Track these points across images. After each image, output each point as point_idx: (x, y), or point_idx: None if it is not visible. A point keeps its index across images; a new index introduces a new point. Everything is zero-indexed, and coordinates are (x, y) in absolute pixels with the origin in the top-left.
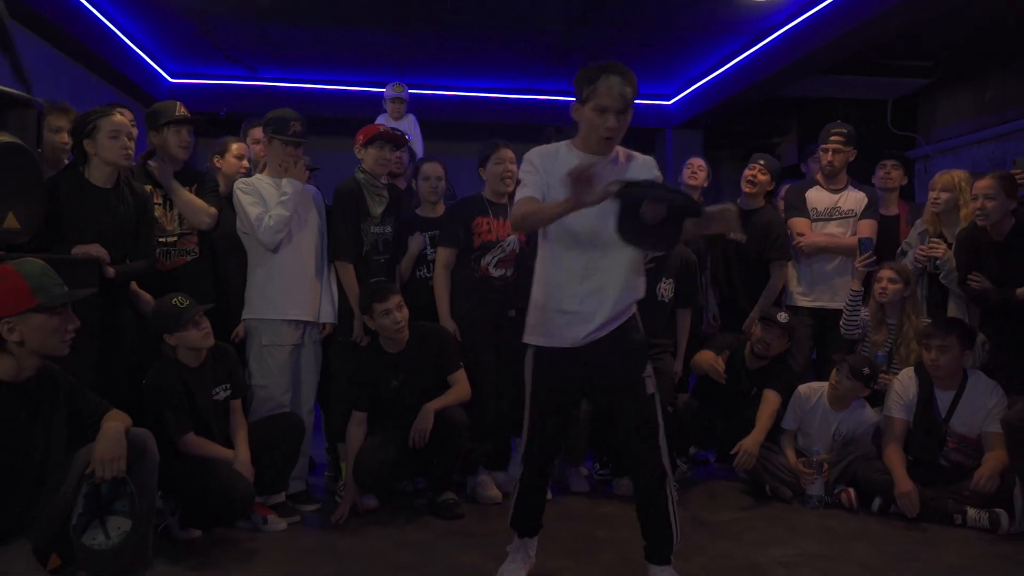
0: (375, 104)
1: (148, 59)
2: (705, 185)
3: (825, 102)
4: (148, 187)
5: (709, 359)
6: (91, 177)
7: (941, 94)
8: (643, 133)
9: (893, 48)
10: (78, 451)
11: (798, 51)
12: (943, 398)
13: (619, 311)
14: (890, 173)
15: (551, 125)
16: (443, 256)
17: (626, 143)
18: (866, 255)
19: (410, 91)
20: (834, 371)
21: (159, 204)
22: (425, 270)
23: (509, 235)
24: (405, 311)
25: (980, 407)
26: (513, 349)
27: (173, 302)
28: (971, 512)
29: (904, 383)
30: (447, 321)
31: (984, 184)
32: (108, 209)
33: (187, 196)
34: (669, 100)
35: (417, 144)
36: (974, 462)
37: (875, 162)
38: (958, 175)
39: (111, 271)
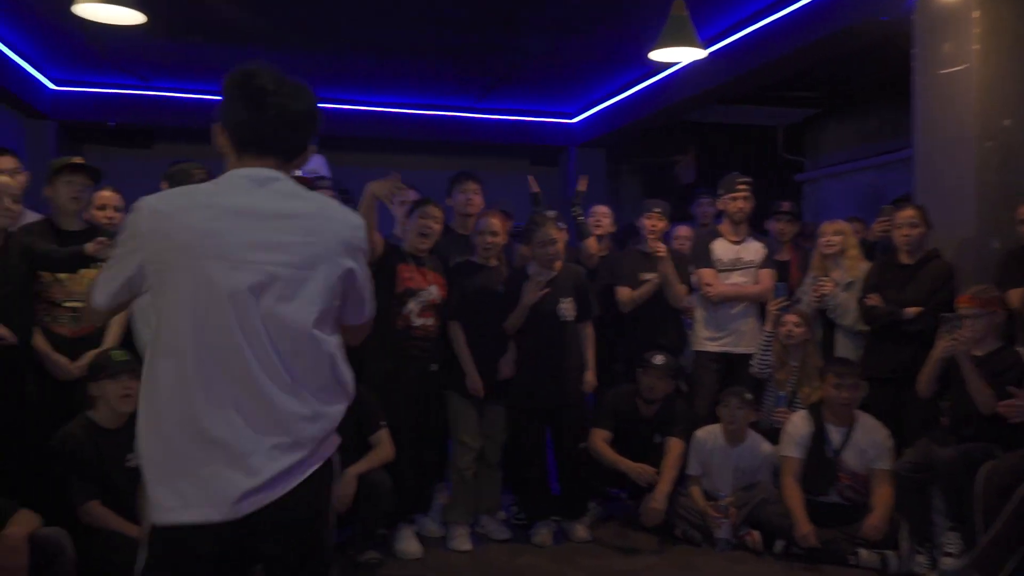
0: None
1: (27, 66)
2: (613, 231)
3: (722, 127)
4: None
5: (635, 469)
6: None
7: (828, 121)
8: (547, 151)
9: (784, 80)
10: None
11: (698, 85)
12: (835, 434)
13: None
14: (784, 229)
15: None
16: None
17: (531, 159)
18: (781, 299)
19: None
20: (722, 408)
21: None
22: None
23: (431, 284)
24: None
25: (869, 444)
26: (432, 397)
27: (111, 353)
28: (863, 553)
29: (796, 423)
30: None
31: (908, 214)
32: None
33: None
34: (572, 118)
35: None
36: (865, 498)
37: (768, 190)
38: (843, 224)
39: (12, 339)
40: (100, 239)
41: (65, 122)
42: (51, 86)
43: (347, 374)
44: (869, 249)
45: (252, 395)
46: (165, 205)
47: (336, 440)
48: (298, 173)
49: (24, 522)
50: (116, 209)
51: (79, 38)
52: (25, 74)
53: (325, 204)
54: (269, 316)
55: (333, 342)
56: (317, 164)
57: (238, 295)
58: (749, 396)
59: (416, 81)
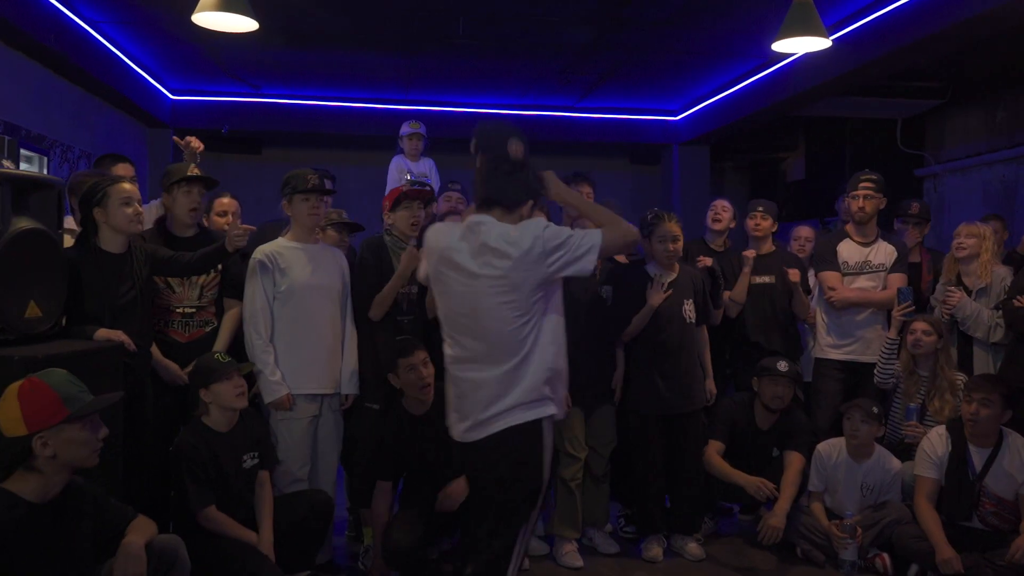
0: (381, 120)
1: (149, 78)
2: (732, 226)
3: (834, 120)
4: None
5: (753, 483)
6: (103, 245)
7: (951, 112)
8: (648, 149)
9: (905, 70)
10: (105, 563)
11: (815, 77)
12: (977, 456)
13: None
14: (911, 232)
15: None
16: None
17: (631, 158)
18: (905, 304)
19: (416, 107)
20: (846, 422)
21: None
22: None
23: None
24: (431, 367)
25: (1018, 467)
26: None
27: (215, 356)
28: None
29: (934, 440)
30: None
31: None
32: (124, 276)
33: None
34: (675, 116)
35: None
36: (1011, 525)
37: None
38: (983, 228)
39: (131, 345)
40: (240, 226)
41: (182, 130)
42: (170, 96)
43: (545, 356)
44: (1018, 262)
45: (477, 364)
46: (433, 230)
47: (546, 410)
48: (408, 178)
49: (142, 530)
50: (234, 215)
51: (197, 51)
52: (149, 86)
53: (514, 229)
54: (480, 308)
55: (532, 333)
56: (427, 168)
57: (462, 291)
58: (875, 410)
59: (519, 81)
